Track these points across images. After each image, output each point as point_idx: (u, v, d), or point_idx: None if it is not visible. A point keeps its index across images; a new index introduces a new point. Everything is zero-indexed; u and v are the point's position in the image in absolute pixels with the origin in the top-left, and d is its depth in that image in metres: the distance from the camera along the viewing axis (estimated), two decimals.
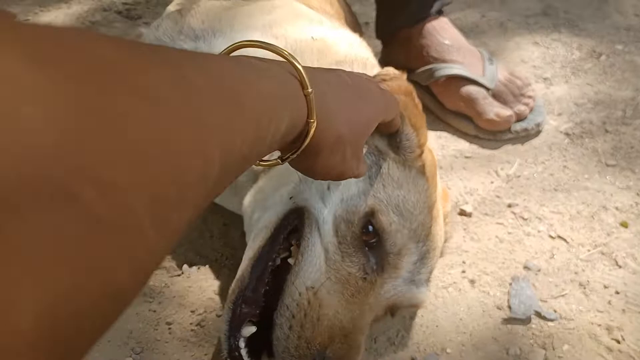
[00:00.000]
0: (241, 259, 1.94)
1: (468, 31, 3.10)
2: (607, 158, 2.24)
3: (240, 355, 1.32)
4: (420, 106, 1.52)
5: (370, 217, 1.35)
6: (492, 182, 2.14)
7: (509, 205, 2.04)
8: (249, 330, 1.34)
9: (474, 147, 2.33)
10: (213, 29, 1.88)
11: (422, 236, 1.41)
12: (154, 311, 1.75)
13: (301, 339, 1.26)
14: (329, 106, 0.97)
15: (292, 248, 1.40)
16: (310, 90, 0.87)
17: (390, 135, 1.45)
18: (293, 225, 1.41)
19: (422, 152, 1.48)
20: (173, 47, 0.73)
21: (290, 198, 1.44)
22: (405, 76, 1.54)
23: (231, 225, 2.03)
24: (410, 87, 1.51)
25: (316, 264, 1.32)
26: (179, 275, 1.88)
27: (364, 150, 1.45)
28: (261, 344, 1.36)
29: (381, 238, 1.35)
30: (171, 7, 2.77)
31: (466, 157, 2.27)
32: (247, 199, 1.74)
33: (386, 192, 1.39)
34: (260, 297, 1.36)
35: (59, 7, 3.45)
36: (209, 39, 1.87)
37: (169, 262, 1.95)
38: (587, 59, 2.85)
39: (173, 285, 1.84)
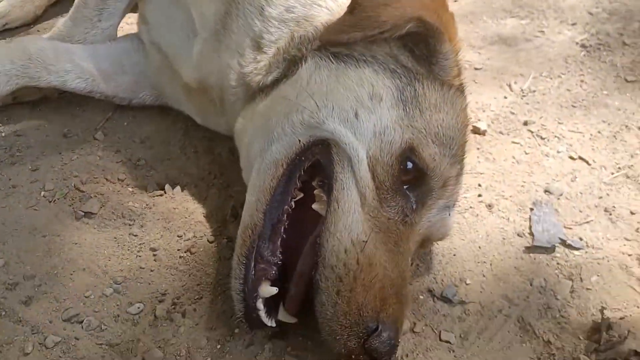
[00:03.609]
0: (231, 179, 1.74)
1: None
2: (626, 73, 2.09)
3: (259, 316, 1.18)
4: (445, 2, 1.32)
5: (409, 153, 1.17)
6: (505, 97, 1.97)
7: (525, 123, 1.88)
8: (269, 290, 1.17)
9: (484, 57, 2.14)
10: None
11: (460, 157, 1.26)
12: (135, 235, 1.55)
13: (351, 305, 1.09)
14: None
15: (315, 192, 1.21)
16: None
17: (419, 51, 1.26)
18: (312, 160, 1.21)
19: (460, 69, 1.30)
20: None
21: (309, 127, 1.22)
22: None
23: (217, 141, 1.80)
24: None
25: (355, 213, 1.14)
26: (161, 195, 1.67)
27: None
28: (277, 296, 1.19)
29: (424, 175, 1.20)
30: None
31: (476, 69, 2.08)
32: (241, 123, 1.50)
33: (424, 118, 1.21)
34: (277, 249, 1.19)
35: None
36: None
37: (147, 180, 1.73)
38: None
39: (155, 206, 1.63)
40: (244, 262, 1.19)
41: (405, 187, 1.19)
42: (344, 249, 1.11)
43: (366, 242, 1.11)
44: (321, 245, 1.13)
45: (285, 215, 1.18)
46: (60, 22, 1.89)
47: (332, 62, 1.26)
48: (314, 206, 1.19)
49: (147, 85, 1.87)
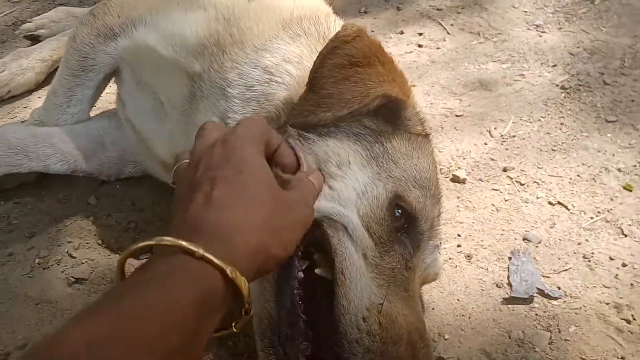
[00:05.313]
0: None
1: None
2: (606, 114, 2.09)
3: None
4: (392, 59, 1.36)
5: (397, 200, 1.20)
6: (485, 144, 1.99)
7: (505, 169, 1.89)
8: None
9: (465, 104, 2.16)
10: (132, 20, 1.68)
11: (438, 196, 1.31)
12: None
13: None
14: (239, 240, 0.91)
15: (315, 257, 1.20)
16: (229, 270, 0.84)
17: (385, 114, 1.29)
18: (310, 240, 1.17)
19: (422, 122, 1.35)
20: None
21: None
22: (365, 31, 1.36)
23: None
24: (377, 42, 1.34)
25: (362, 278, 1.14)
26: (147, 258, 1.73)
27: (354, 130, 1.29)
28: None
29: (413, 218, 1.23)
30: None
31: (457, 116, 2.11)
32: None
33: (399, 167, 1.25)
34: (301, 329, 1.13)
35: None
36: (129, 32, 1.69)
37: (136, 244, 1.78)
38: (581, 2, 2.67)
39: None
40: (271, 351, 1.15)
41: (399, 233, 1.21)
42: (362, 318, 1.10)
43: (382, 303, 1.12)
44: (339, 322, 1.11)
45: (297, 298, 1.14)
46: (35, 111, 1.98)
47: (298, 142, 1.27)
48: (317, 271, 1.18)
49: (131, 161, 1.92)
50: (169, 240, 0.84)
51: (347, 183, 1.21)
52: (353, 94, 1.24)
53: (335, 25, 1.58)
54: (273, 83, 1.41)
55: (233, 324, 0.99)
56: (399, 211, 1.22)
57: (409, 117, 1.32)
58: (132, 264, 1.55)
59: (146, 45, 1.62)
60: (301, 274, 1.17)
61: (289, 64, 1.42)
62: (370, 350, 1.09)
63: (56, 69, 2.53)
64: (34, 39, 2.75)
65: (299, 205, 1.06)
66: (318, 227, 1.18)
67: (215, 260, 0.83)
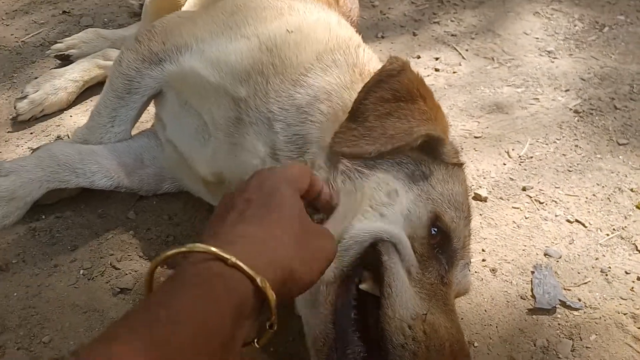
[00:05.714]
0: None
1: (467, 1, 3.02)
2: (618, 136, 2.21)
3: None
4: (432, 93, 1.44)
5: (434, 220, 1.30)
6: (504, 164, 2.10)
7: (524, 189, 2.00)
8: None
9: (483, 126, 2.28)
10: (177, 47, 1.75)
11: (469, 219, 1.40)
12: None
13: None
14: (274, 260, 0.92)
15: (364, 273, 1.28)
16: (258, 280, 0.85)
17: (426, 146, 1.38)
18: (366, 264, 1.27)
19: (457, 154, 1.45)
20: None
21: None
22: (409, 65, 1.43)
23: None
24: (419, 77, 1.43)
25: (407, 291, 1.23)
26: None
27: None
28: None
29: (447, 237, 1.32)
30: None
31: (476, 137, 2.22)
32: None
33: (437, 190, 1.35)
34: (356, 344, 1.21)
35: None
36: (174, 58, 1.75)
37: None
38: (590, 30, 2.80)
39: None
40: None
41: (435, 251, 1.30)
42: (408, 325, 1.18)
43: (426, 314, 1.20)
44: (385, 330, 1.19)
45: (352, 321, 1.23)
46: (78, 130, 2.06)
47: (354, 174, 1.34)
48: (362, 287, 1.26)
49: (169, 177, 2.01)
50: (201, 247, 0.85)
51: (396, 209, 1.30)
52: (396, 130, 1.32)
53: (364, 54, 1.66)
54: (308, 122, 1.48)
55: (255, 340, 0.99)
56: (435, 230, 1.31)
57: (446, 152, 1.42)
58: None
59: (192, 71, 1.69)
60: (355, 302, 1.25)
61: (321, 102, 1.49)
62: (417, 355, 1.16)
63: (87, 88, 2.67)
64: (64, 59, 2.85)
65: (326, 236, 1.11)
66: (372, 247, 1.27)
67: (247, 269, 0.84)
